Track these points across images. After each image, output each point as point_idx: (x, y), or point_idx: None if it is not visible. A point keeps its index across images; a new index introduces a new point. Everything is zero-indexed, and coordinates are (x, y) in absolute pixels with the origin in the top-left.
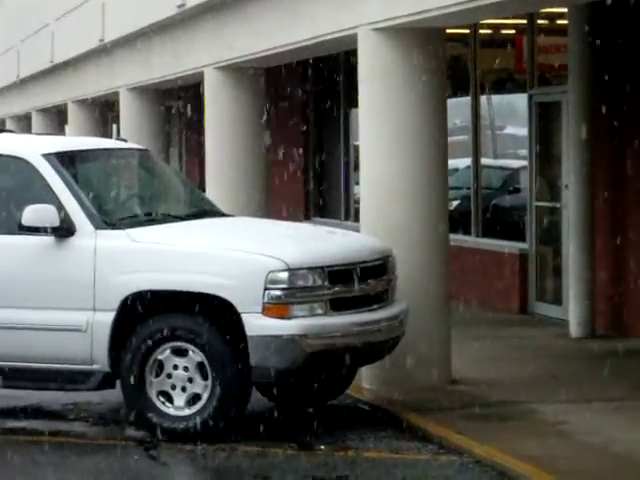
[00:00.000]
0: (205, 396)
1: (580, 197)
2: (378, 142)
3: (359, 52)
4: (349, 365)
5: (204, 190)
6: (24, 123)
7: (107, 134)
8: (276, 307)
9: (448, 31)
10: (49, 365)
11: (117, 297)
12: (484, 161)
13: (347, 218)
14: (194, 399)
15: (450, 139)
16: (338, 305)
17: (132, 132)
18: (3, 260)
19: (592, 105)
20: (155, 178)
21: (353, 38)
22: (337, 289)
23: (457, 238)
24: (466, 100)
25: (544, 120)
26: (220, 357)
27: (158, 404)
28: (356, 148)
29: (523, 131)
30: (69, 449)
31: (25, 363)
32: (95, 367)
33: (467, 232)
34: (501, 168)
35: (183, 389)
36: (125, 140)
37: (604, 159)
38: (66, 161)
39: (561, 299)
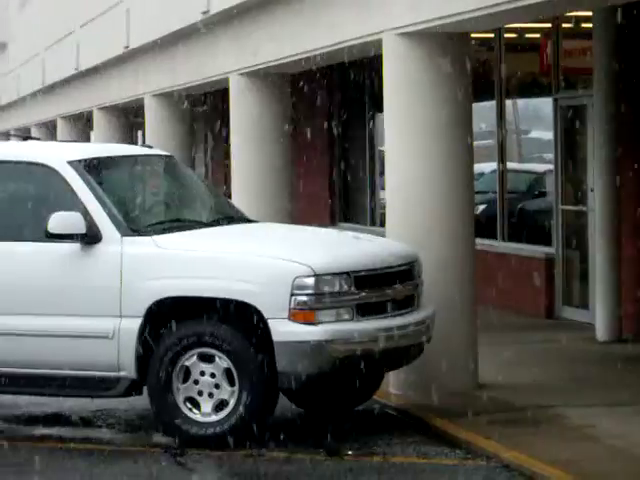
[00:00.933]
0: (232, 402)
1: (606, 200)
2: (403, 147)
3: (384, 57)
4: (376, 370)
5: (230, 196)
6: (49, 130)
7: (132, 140)
8: (302, 313)
9: (473, 35)
10: (77, 372)
11: (143, 304)
12: (510, 165)
13: (373, 223)
14: (221, 405)
15: (476, 143)
16: (364, 310)
17: (157, 138)
18: (30, 267)
19: (617, 108)
20: (180, 184)
21: (378, 43)
22: (363, 294)
23: (483, 242)
24: (491, 104)
25: (569, 124)
26: (247, 363)
27: (185, 410)
28: (381, 153)
29: (548, 135)
30: (97, 456)
31: (53, 370)
32: (122, 374)
33: (493, 236)
34: (527, 172)
35: (210, 395)
36: (150, 146)
37: (630, 162)
38: (92, 168)
39: (587, 303)
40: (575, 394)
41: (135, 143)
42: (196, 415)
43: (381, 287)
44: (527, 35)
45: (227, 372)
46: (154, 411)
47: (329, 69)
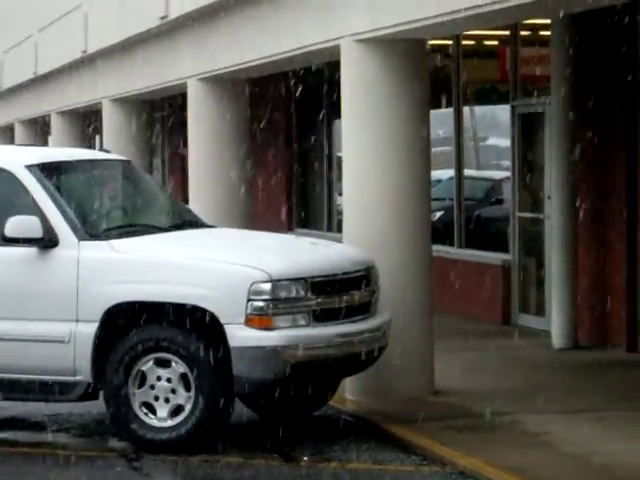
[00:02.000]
0: (188, 407)
1: (563, 208)
2: (361, 153)
3: (342, 63)
4: (332, 376)
5: (187, 201)
6: (7, 134)
7: (90, 145)
8: (259, 318)
9: (431, 42)
10: (32, 376)
11: (100, 308)
12: (467, 172)
13: (330, 229)
14: (177, 410)
15: (433, 150)
16: (321, 316)
17: (115, 143)
18: None
19: (574, 116)
20: (138, 189)
21: (337, 49)
22: (320, 300)
23: (440, 249)
24: (449, 111)
25: (527, 131)
26: (203, 368)
27: (141, 415)
28: (339, 159)
29: (506, 142)
30: (52, 460)
31: (8, 374)
32: (78, 378)
33: (450, 243)
34: (484, 179)
35: (166, 400)
36: (108, 151)
37: (586, 170)
38: (49, 172)
39: (544, 310)
40: (531, 401)
41: (93, 148)
42: (152, 420)
43: (338, 293)
44: (485, 42)
45: (183, 377)
46: (110, 416)
47: (287, 75)
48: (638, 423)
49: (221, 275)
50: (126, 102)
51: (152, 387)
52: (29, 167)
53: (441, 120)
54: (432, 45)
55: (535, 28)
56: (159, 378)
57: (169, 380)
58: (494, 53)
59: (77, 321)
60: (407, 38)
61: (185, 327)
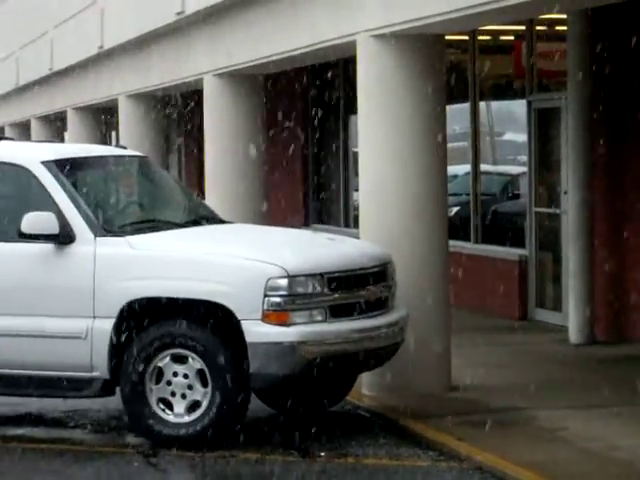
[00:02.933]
0: (205, 403)
1: (579, 203)
2: (377, 148)
3: (358, 58)
4: (349, 372)
5: (203, 197)
6: (23, 130)
7: (106, 141)
8: (275, 314)
9: (447, 37)
10: (49, 372)
11: (116, 304)
12: (483, 167)
13: (347, 225)
14: (194, 406)
15: (449, 145)
16: (338, 312)
17: (131, 139)
18: (3, 268)
19: (591, 111)
20: (154, 185)
21: (352, 45)
22: (337, 296)
23: (457, 244)
24: (465, 106)
25: (543, 126)
26: (220, 364)
27: (158, 411)
28: (355, 155)
29: (522, 137)
30: (69, 456)
31: (25, 370)
32: (95, 374)
33: (467, 238)
34: (500, 174)
35: (183, 396)
36: (124, 147)
37: (603, 165)
38: (65, 168)
39: (561, 305)
40: (548, 396)
41: (109, 144)
42: (169, 416)
43: (354, 288)
44: (501, 37)
45: (200, 373)
46: (127, 412)
47: (303, 70)
48: None
49: (238, 271)
50: (142, 98)
51: (169, 383)
52: (45, 163)
53: (457, 115)
54: (448, 40)
55: (551, 23)
56: (176, 374)
57: (186, 376)
58: (510, 48)
59: (94, 317)
60: (423, 33)
61: (202, 323)
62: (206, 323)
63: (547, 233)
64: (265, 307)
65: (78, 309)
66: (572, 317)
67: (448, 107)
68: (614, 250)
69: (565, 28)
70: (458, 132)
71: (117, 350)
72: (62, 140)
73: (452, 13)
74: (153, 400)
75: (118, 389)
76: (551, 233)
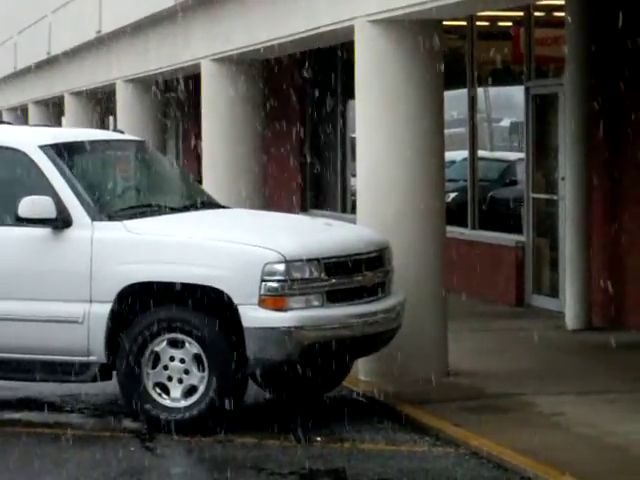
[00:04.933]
0: (201, 388)
1: (577, 189)
2: (374, 134)
3: (356, 44)
4: (345, 357)
5: (201, 182)
6: (21, 115)
7: (104, 126)
8: (272, 299)
9: (445, 23)
10: (46, 357)
11: (113, 289)
12: (481, 153)
13: (344, 210)
14: (190, 391)
15: (447, 131)
16: (334, 297)
17: (129, 124)
18: (0, 252)
19: (589, 97)
20: (152, 169)
21: (350, 30)
22: (334, 281)
23: (454, 230)
24: (463, 92)
25: (541, 112)
26: (216, 349)
27: (154, 395)
28: (353, 140)
29: (519, 123)
30: (65, 441)
31: (22, 355)
32: (92, 359)
33: (464, 224)
34: (498, 160)
35: (179, 381)
36: (122, 132)
37: (600, 151)
38: (63, 152)
39: (558, 291)
40: (545, 382)
41: (107, 128)
42: (165, 400)
43: (351, 274)
44: (499, 23)
45: (197, 358)
46: (123, 396)
47: (301, 55)
48: None
49: (235, 256)
50: (140, 83)
51: (165, 367)
52: (43, 147)
53: (455, 101)
54: (446, 26)
55: (549, 8)
56: (172, 358)
57: (182, 361)
58: (508, 34)
59: (91, 302)
60: (421, 19)
61: (198, 308)
62: (203, 308)
63: (544, 219)
64: (262, 292)
65: (75, 293)
66: (569, 303)
67: (446, 93)
68: (611, 236)
69: (563, 14)
70: (456, 118)
71: (114, 334)
72: (59, 125)
73: None
74: (150, 384)
75: (115, 373)
76: (548, 219)
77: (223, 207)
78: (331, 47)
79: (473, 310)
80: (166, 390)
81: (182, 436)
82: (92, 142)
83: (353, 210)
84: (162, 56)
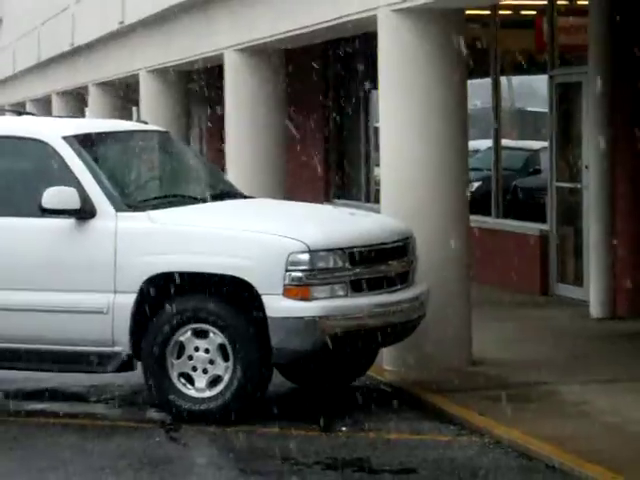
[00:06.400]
0: (226, 378)
1: (600, 177)
2: (398, 124)
3: (379, 33)
4: (370, 346)
5: (225, 172)
6: (44, 106)
7: (128, 116)
8: (297, 289)
9: (468, 12)
10: (71, 347)
11: (138, 279)
12: (505, 142)
13: (368, 200)
14: (215, 381)
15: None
16: (359, 286)
17: (152, 114)
18: (24, 243)
19: (612, 85)
20: (175, 160)
21: (373, 19)
22: (358, 270)
23: (478, 219)
24: (486, 81)
25: (564, 101)
26: (241, 339)
27: (179, 386)
28: (376, 130)
29: (544, 112)
30: (90, 431)
31: (47, 345)
32: (116, 349)
33: (488, 213)
34: (522, 149)
35: (204, 371)
36: (146, 122)
37: (624, 139)
38: (87, 143)
39: (582, 280)
40: (569, 371)
41: (131, 119)
42: (190, 390)
43: (375, 263)
44: (522, 12)
45: (221, 348)
46: (148, 387)
47: (325, 45)
48: None
49: (259, 246)
50: (163, 73)
51: (190, 358)
52: (66, 138)
53: (479, 90)
54: (469, 15)
55: None
56: (197, 349)
57: (207, 351)
58: (531, 23)
59: (115, 292)
60: (444, 8)
61: (223, 298)
62: (227, 298)
63: (568, 208)
64: (286, 282)
65: (99, 284)
66: (593, 292)
67: (469, 82)
68: (635, 224)
69: (586, 2)
70: (479, 107)
71: (138, 325)
72: (83, 116)
73: None
74: (174, 375)
75: (139, 364)
76: (572, 208)
77: (247, 197)
78: (355, 36)
79: (497, 299)
80: (191, 380)
81: (207, 426)
82: (116, 133)
83: (377, 200)
84: (185, 47)
